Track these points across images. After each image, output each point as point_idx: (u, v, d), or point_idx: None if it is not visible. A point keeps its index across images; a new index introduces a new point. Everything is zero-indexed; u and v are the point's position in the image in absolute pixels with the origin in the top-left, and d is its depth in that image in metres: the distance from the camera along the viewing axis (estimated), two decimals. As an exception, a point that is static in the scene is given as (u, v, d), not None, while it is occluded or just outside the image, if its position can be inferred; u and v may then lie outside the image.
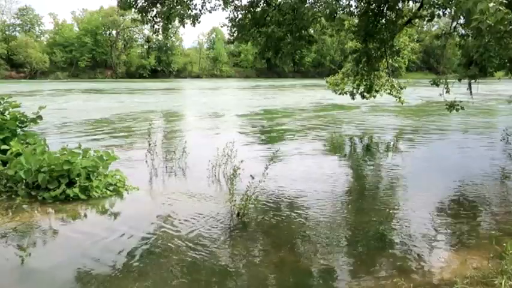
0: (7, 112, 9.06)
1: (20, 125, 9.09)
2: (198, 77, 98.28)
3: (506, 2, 4.19)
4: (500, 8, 3.97)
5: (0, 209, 6.91)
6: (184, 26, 10.62)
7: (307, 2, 10.63)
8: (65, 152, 8.13)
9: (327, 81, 17.11)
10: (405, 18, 12.45)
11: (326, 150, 13.51)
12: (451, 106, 10.53)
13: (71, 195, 7.30)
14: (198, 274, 4.80)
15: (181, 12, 10.05)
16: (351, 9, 11.79)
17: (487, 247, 5.33)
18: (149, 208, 7.26)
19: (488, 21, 3.96)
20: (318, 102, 32.06)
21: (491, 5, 3.94)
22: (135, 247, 5.54)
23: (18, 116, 9.07)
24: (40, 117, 9.33)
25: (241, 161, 7.50)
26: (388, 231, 6.08)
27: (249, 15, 11.12)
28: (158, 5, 10.43)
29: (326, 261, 5.21)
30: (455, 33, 11.35)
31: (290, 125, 19.32)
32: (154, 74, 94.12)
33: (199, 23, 10.48)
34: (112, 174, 8.21)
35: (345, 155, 12.97)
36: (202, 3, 10.63)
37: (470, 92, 10.67)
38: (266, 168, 6.67)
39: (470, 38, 10.21)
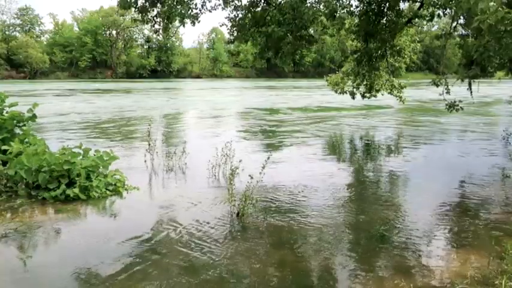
0: (5, 111, 9.04)
1: (17, 124, 9.07)
2: (198, 77, 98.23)
3: (507, 1, 4.19)
4: (501, 7, 3.96)
5: (1, 209, 6.91)
6: (184, 26, 10.63)
7: (307, 1, 10.63)
8: (65, 152, 8.13)
9: (327, 80, 17.14)
10: (405, 18, 12.46)
11: (327, 150, 13.49)
12: (451, 106, 10.56)
13: (71, 195, 7.30)
14: (197, 274, 4.79)
15: (182, 12, 10.04)
16: (351, 9, 11.83)
17: (487, 247, 5.34)
18: (149, 208, 7.27)
19: (489, 21, 3.96)
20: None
21: (491, 4, 3.94)
22: (135, 247, 5.54)
23: (14, 115, 9.04)
24: (35, 116, 9.31)
25: (240, 161, 7.51)
26: (389, 231, 6.07)
27: (249, 15, 11.12)
28: (158, 5, 10.43)
29: (326, 261, 5.21)
30: (455, 33, 11.37)
31: (293, 125, 19.30)
32: (154, 74, 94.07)
33: (198, 22, 10.49)
34: (112, 174, 8.21)
35: (345, 155, 12.97)
36: (203, 2, 10.64)
37: (471, 92, 10.69)
38: (263, 167, 6.66)
39: (470, 38, 10.23)
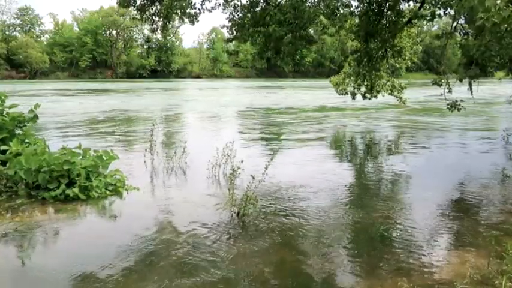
0: (5, 112, 9.03)
1: (18, 124, 9.07)
2: (198, 77, 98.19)
3: None
4: (506, 5, 3.92)
5: (1, 209, 6.90)
6: (184, 22, 10.65)
7: (308, 0, 10.63)
8: (65, 151, 8.12)
9: (330, 81, 17.29)
10: (406, 18, 12.45)
11: (329, 150, 13.47)
12: (453, 106, 10.56)
13: (71, 195, 7.29)
14: (198, 274, 4.78)
15: (184, 6, 10.02)
16: (352, 9, 11.82)
17: (487, 247, 5.33)
18: (149, 208, 7.24)
19: (493, 19, 3.91)
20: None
21: (498, 1, 3.89)
22: (135, 247, 5.52)
23: (16, 116, 9.04)
24: (36, 117, 9.30)
25: (241, 161, 7.49)
26: (389, 231, 6.06)
27: (249, 15, 11.11)
28: (157, 3, 10.43)
29: (326, 261, 5.19)
30: (456, 32, 11.37)
31: (295, 124, 19.28)
32: (154, 74, 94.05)
33: (197, 21, 10.49)
34: (112, 174, 8.20)
35: (346, 155, 12.95)
36: (202, 2, 10.63)
37: (471, 91, 10.70)
38: (266, 168, 6.66)
39: (471, 37, 10.23)
